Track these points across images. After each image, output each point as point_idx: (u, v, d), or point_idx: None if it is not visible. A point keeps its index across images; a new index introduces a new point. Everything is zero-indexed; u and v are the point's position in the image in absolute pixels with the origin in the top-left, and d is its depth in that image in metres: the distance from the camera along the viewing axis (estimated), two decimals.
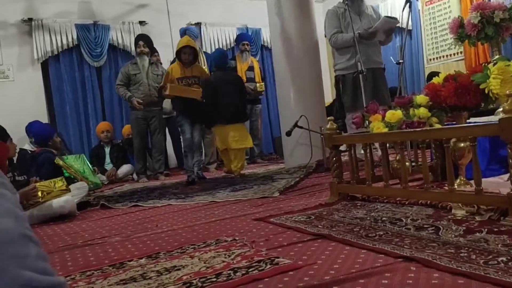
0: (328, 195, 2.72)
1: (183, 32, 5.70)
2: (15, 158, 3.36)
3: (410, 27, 6.91)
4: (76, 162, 4.11)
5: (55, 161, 3.79)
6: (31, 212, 3.01)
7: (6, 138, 3.12)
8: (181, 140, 4.81)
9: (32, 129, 4.31)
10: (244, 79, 5.82)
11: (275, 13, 4.57)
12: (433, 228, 1.75)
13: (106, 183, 5.27)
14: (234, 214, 2.58)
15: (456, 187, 2.03)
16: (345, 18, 4.21)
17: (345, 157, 3.04)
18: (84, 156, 4.57)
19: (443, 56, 7.03)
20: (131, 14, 6.78)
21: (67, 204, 3.14)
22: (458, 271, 1.26)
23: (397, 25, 4.16)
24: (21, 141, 4.43)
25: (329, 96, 7.24)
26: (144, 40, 5.37)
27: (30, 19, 6.08)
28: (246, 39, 6.24)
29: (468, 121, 2.34)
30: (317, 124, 4.35)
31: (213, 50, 7.13)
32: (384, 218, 2.01)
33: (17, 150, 3.47)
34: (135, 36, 5.85)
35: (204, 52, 6.37)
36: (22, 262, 0.54)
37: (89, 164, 4.55)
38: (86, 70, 6.47)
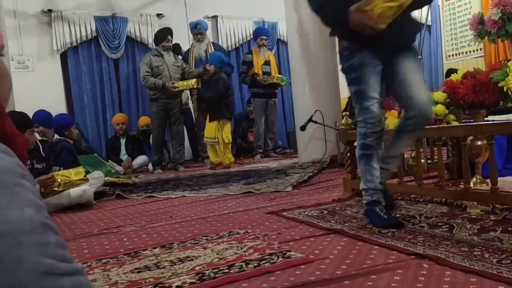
0: (341, 190, 2.72)
1: (194, 26, 5.72)
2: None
3: (429, 23, 6.80)
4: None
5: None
6: (49, 200, 3.08)
7: (30, 126, 3.14)
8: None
9: (54, 118, 4.34)
10: (260, 73, 5.85)
11: (292, 6, 4.54)
12: (447, 226, 1.74)
13: (121, 173, 5.34)
14: (247, 207, 2.60)
15: (472, 185, 2.01)
16: None
17: None
18: (96, 155, 4.60)
19: (462, 53, 6.91)
20: (149, 7, 6.82)
21: (84, 194, 3.19)
22: (471, 269, 1.26)
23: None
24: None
25: (345, 91, 7.17)
26: (172, 35, 5.48)
27: (50, 10, 6.15)
28: (265, 33, 6.24)
29: (486, 119, 2.31)
30: (332, 119, 4.33)
31: (230, 43, 7.15)
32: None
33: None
34: (160, 29, 5.82)
35: (219, 45, 6.36)
36: (42, 250, 0.56)
37: (103, 160, 4.61)
38: (104, 62, 6.53)
